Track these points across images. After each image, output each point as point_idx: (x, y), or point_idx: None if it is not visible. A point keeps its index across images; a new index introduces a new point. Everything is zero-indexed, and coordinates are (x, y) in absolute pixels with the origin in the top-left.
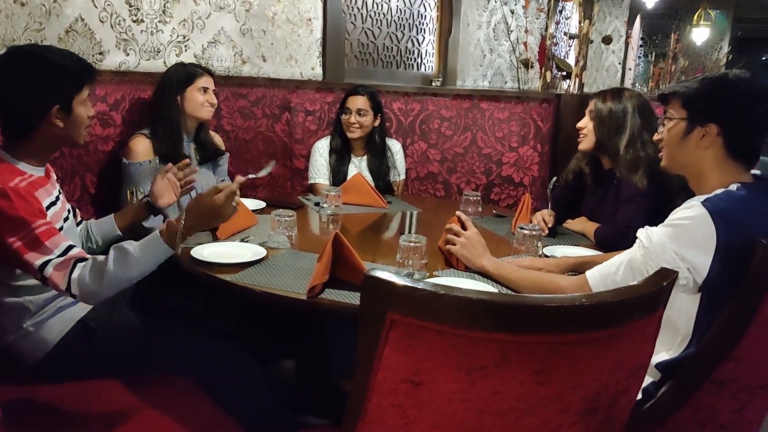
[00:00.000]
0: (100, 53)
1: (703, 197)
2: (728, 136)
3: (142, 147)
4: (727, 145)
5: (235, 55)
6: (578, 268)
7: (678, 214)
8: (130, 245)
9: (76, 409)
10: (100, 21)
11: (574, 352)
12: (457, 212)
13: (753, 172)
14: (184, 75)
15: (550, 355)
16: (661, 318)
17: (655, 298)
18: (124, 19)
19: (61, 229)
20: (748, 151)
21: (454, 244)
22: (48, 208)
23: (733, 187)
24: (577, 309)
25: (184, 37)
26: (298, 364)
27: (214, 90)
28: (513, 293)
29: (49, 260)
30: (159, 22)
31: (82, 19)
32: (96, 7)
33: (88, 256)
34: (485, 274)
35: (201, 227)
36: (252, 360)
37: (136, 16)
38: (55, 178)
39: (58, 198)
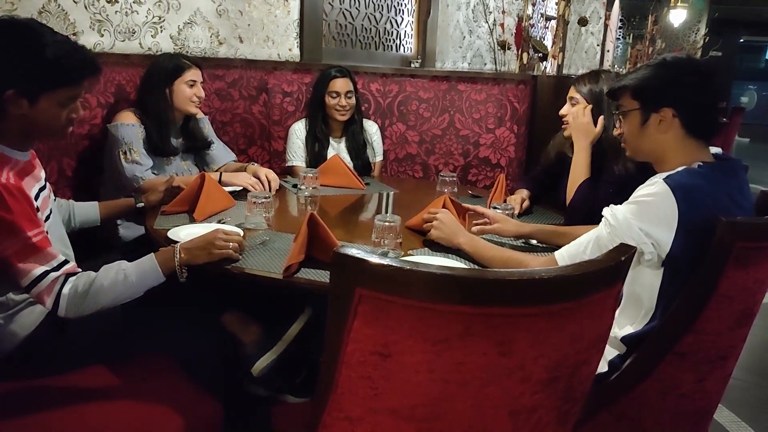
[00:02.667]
0: (74, 34)
1: (665, 174)
2: (684, 116)
3: (131, 119)
4: (684, 125)
5: (211, 36)
6: (550, 237)
7: (641, 191)
8: (126, 267)
9: (52, 402)
10: (74, 1)
11: (535, 324)
12: (446, 193)
13: (713, 151)
14: (172, 67)
15: (512, 327)
16: (620, 292)
17: (613, 272)
18: (98, 0)
19: (49, 216)
20: (705, 126)
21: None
22: (37, 196)
23: (695, 165)
24: (536, 282)
25: (160, 18)
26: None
27: (202, 83)
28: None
29: (47, 272)
30: (134, 2)
31: (55, 0)
32: None
33: (79, 270)
34: (463, 252)
35: (194, 257)
36: (229, 339)
37: None
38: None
39: (46, 181)
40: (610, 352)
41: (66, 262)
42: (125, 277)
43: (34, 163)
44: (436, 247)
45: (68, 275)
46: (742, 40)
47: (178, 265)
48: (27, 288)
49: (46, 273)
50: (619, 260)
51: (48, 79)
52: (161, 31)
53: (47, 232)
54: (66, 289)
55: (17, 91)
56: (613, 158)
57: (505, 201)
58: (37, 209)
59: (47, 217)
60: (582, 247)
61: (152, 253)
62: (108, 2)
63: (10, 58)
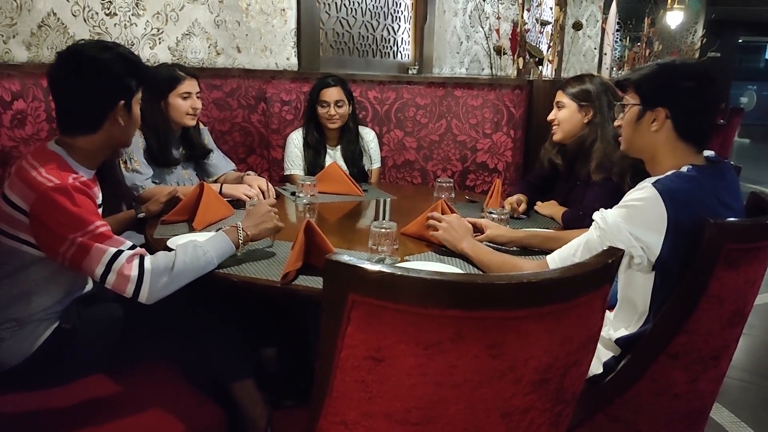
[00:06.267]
0: None
1: (654, 178)
2: (677, 119)
3: None
4: (676, 128)
5: (209, 47)
6: (543, 243)
7: (631, 196)
8: (203, 245)
9: (56, 412)
10: (73, 15)
11: (525, 327)
12: (442, 198)
13: (705, 153)
14: (165, 80)
15: (502, 329)
16: (608, 294)
17: (600, 275)
18: (97, 13)
19: None
20: (697, 132)
21: (437, 230)
22: None
23: (684, 169)
24: (525, 286)
25: (158, 30)
26: (280, 351)
27: (198, 93)
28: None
29: (121, 251)
30: (132, 15)
31: (55, 14)
32: (68, 0)
33: (148, 253)
34: (465, 257)
35: (258, 229)
36: (233, 345)
37: (108, 9)
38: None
39: (102, 203)
40: (604, 354)
41: (135, 246)
42: (204, 253)
43: (95, 182)
44: (442, 251)
45: (143, 255)
46: (740, 41)
47: (242, 243)
48: (104, 273)
49: (120, 252)
50: (606, 263)
51: (138, 79)
52: (159, 42)
53: None
54: (148, 264)
55: (125, 103)
56: (582, 162)
57: (501, 206)
58: None
59: None
60: (573, 250)
61: (221, 231)
62: (107, 15)
63: (113, 71)
